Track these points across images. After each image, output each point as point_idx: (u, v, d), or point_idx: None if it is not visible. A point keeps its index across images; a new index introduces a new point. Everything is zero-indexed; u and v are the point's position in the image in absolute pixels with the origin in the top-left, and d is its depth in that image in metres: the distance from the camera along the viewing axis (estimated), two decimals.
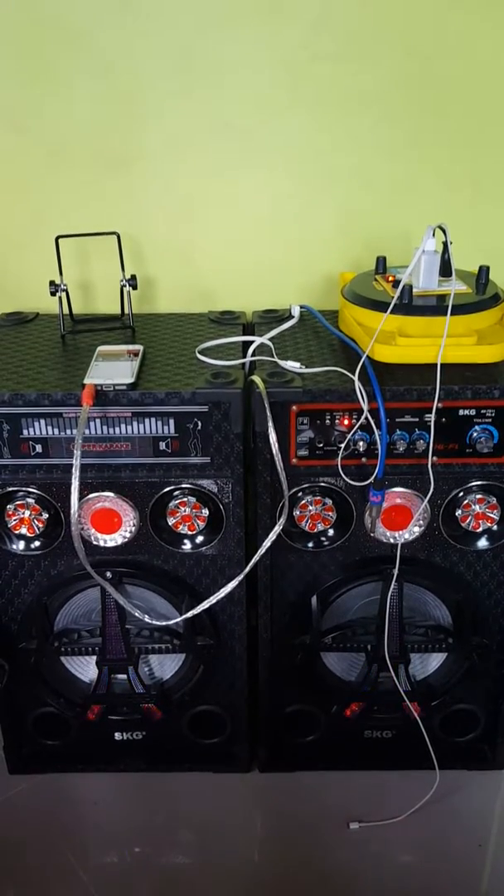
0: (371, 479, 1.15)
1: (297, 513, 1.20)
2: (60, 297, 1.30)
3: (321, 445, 1.17)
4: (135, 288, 1.32)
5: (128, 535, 1.22)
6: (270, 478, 1.17)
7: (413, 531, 1.22)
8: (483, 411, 1.14)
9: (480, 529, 1.21)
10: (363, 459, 1.17)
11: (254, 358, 1.22)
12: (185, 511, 1.19)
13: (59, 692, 1.36)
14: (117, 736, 1.41)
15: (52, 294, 1.29)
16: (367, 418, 1.12)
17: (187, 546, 1.23)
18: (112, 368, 1.17)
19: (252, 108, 1.33)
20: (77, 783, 1.42)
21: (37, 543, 1.23)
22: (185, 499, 1.19)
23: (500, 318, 1.20)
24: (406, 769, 1.40)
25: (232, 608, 1.28)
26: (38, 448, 1.16)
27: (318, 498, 1.19)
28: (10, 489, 1.19)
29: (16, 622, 1.30)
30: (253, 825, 1.36)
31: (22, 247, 1.41)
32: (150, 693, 1.33)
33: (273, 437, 1.10)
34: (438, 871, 1.27)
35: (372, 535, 1.21)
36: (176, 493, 1.19)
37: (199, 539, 1.23)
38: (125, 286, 1.32)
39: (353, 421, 1.14)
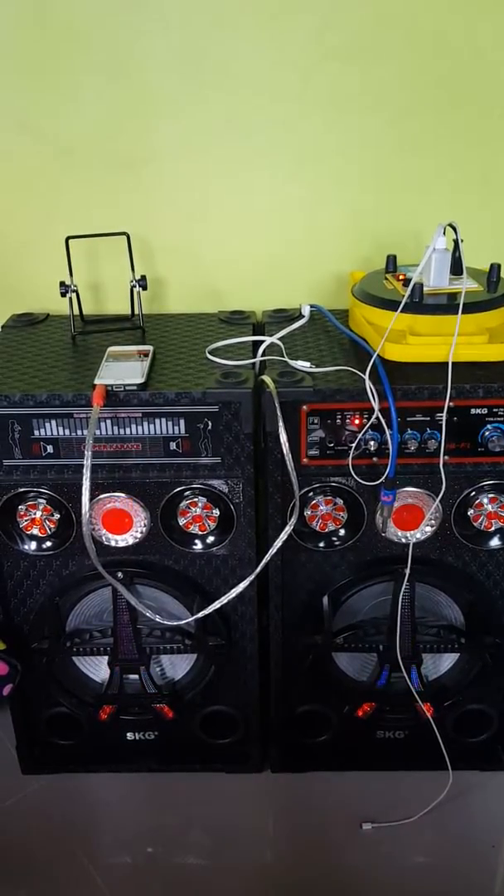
0: (382, 479, 1.15)
1: (308, 513, 1.20)
2: (71, 298, 1.30)
3: (332, 445, 1.16)
4: (145, 288, 1.32)
5: (139, 535, 1.22)
6: (281, 478, 1.17)
7: (425, 531, 1.21)
8: (495, 410, 1.13)
9: (493, 529, 1.20)
10: (374, 459, 1.16)
11: (264, 358, 1.22)
12: (195, 511, 1.19)
13: (72, 692, 1.36)
14: (129, 736, 1.41)
15: (63, 295, 1.29)
16: (378, 418, 1.12)
17: (198, 546, 1.23)
18: (122, 369, 1.17)
19: (261, 107, 1.32)
20: (89, 783, 1.42)
21: (48, 544, 1.23)
22: (196, 499, 1.19)
23: None
24: (419, 770, 1.39)
25: (243, 608, 1.28)
26: (49, 448, 1.17)
27: (329, 498, 1.19)
28: (22, 489, 1.19)
29: (28, 622, 1.30)
30: (265, 826, 1.36)
31: (32, 248, 1.41)
32: (162, 693, 1.33)
33: (284, 437, 1.10)
34: (451, 871, 1.26)
35: (383, 534, 1.21)
36: (187, 493, 1.19)
37: (210, 539, 1.23)
38: (135, 287, 1.32)
39: (364, 420, 1.14)
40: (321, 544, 1.23)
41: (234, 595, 1.17)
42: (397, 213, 1.38)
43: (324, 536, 1.23)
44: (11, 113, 1.33)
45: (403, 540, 1.21)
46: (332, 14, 1.27)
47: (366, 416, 1.14)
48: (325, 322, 1.33)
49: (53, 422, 1.15)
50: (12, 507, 1.20)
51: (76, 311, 1.33)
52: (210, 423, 1.15)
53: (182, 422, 1.15)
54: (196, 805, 1.38)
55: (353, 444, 1.15)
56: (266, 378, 1.12)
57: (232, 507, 1.20)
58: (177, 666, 1.37)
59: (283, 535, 1.15)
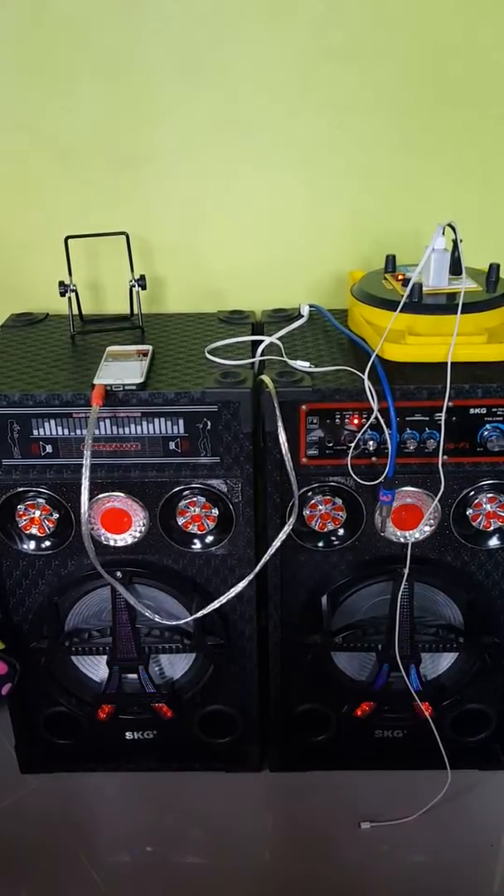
0: (381, 479, 1.15)
1: (307, 512, 1.20)
2: (70, 298, 1.30)
3: (331, 445, 1.16)
4: (144, 288, 1.32)
5: (138, 534, 1.22)
6: (280, 477, 1.17)
7: (423, 530, 1.21)
8: (494, 410, 1.13)
9: (491, 528, 1.21)
10: (373, 459, 1.17)
11: (263, 357, 1.22)
12: (194, 511, 1.19)
13: (70, 692, 1.36)
14: (128, 735, 1.41)
15: (62, 294, 1.29)
16: (377, 417, 1.12)
17: (197, 546, 1.23)
18: (121, 369, 1.17)
19: (261, 107, 1.33)
20: (88, 782, 1.42)
21: (47, 543, 1.23)
22: (195, 498, 1.19)
23: None
24: (417, 769, 1.39)
25: (242, 608, 1.28)
26: (49, 448, 1.17)
27: (328, 497, 1.19)
28: (21, 489, 1.19)
29: (27, 622, 1.30)
30: (264, 825, 1.36)
31: (32, 247, 1.41)
32: (161, 692, 1.33)
33: (283, 437, 1.10)
34: (450, 870, 1.27)
35: (382, 534, 1.21)
36: (186, 492, 1.19)
37: (209, 539, 1.23)
38: (134, 286, 1.32)
39: (363, 420, 1.14)
40: (320, 544, 1.23)
41: (233, 594, 1.17)
42: (397, 212, 1.38)
43: (323, 536, 1.23)
44: (11, 113, 1.33)
45: (402, 539, 1.21)
46: (332, 14, 1.27)
47: (365, 415, 1.14)
48: (325, 322, 1.33)
49: (52, 421, 1.15)
50: (11, 506, 1.20)
51: (75, 311, 1.33)
52: (209, 423, 1.15)
53: (181, 421, 1.15)
54: (195, 804, 1.38)
55: (352, 444, 1.15)
56: (265, 378, 1.13)
57: (231, 506, 1.20)
58: (176, 665, 1.37)
59: (282, 535, 1.15)
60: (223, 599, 1.18)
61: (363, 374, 1.11)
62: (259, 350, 1.24)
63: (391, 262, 1.28)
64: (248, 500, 1.19)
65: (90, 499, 1.10)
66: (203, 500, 1.19)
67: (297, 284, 1.43)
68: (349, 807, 1.36)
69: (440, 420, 1.13)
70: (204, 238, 1.41)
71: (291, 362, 1.18)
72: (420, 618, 1.29)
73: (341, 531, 1.22)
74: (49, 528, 1.21)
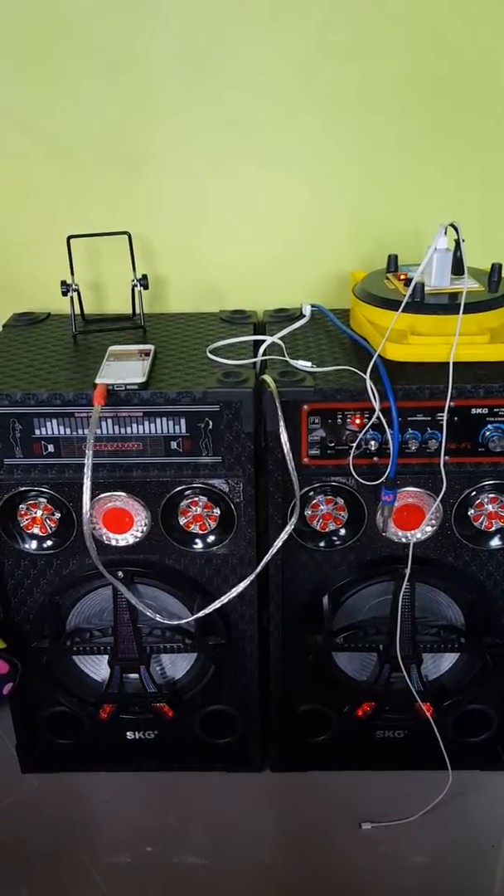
0: (383, 479, 1.15)
1: (309, 512, 1.20)
2: (72, 297, 1.30)
3: (332, 445, 1.16)
4: (146, 288, 1.33)
5: (139, 534, 1.22)
6: (282, 477, 1.17)
7: (425, 531, 1.21)
8: (496, 410, 1.13)
9: (493, 529, 1.21)
10: (375, 459, 1.17)
11: (265, 357, 1.22)
12: (196, 510, 1.19)
13: (72, 691, 1.36)
14: (129, 735, 1.41)
15: (64, 294, 1.30)
16: (378, 417, 1.12)
17: (199, 545, 1.23)
18: (123, 368, 1.17)
19: (263, 107, 1.33)
20: (89, 782, 1.42)
21: (49, 543, 1.23)
22: (197, 498, 1.19)
23: None
24: (418, 769, 1.39)
25: (243, 608, 1.28)
26: (50, 448, 1.17)
27: (330, 497, 1.19)
28: (23, 489, 1.19)
29: (28, 621, 1.30)
30: (265, 825, 1.36)
31: (33, 247, 1.41)
32: (162, 692, 1.33)
33: (284, 437, 1.10)
34: (451, 871, 1.27)
35: (384, 534, 1.21)
36: (187, 492, 1.19)
37: (211, 538, 1.23)
38: (136, 286, 1.32)
39: (365, 420, 1.14)
40: (321, 544, 1.23)
41: (234, 594, 1.17)
42: (398, 212, 1.38)
43: (324, 536, 1.23)
44: (12, 113, 1.33)
45: (404, 540, 1.21)
46: (333, 13, 1.27)
47: (367, 415, 1.14)
48: (326, 322, 1.33)
49: (54, 421, 1.15)
50: (13, 506, 1.20)
51: (77, 311, 1.33)
52: (211, 423, 1.15)
53: (183, 421, 1.15)
54: (196, 804, 1.38)
55: (354, 444, 1.15)
56: (267, 377, 1.13)
57: (232, 506, 1.20)
58: (177, 665, 1.37)
59: (284, 535, 1.15)
60: (224, 599, 1.18)
61: (365, 373, 1.11)
62: (261, 350, 1.24)
63: (393, 262, 1.28)
64: (249, 499, 1.19)
65: (92, 498, 1.09)
66: (204, 499, 1.19)
67: (299, 284, 1.43)
68: (350, 807, 1.36)
69: (442, 420, 1.13)
70: (206, 238, 1.41)
71: (293, 362, 1.18)
72: (421, 618, 1.29)
73: (343, 531, 1.22)
74: (51, 528, 1.21)
